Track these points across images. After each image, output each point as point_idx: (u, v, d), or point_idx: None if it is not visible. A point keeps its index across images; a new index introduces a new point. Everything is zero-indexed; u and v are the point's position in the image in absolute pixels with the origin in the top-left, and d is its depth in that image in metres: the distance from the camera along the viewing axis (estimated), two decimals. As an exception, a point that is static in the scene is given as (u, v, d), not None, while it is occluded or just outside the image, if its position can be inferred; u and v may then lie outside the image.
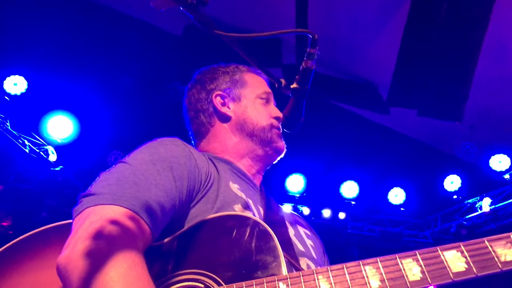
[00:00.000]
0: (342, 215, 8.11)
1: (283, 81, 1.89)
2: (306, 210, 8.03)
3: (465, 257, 1.17)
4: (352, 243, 8.23)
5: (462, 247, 1.19)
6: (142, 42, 6.51)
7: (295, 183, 7.83)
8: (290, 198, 7.92)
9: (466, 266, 1.16)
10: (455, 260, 1.17)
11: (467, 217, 7.95)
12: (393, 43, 6.29)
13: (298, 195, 7.89)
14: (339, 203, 8.11)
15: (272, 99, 2.18)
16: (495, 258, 1.15)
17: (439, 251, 1.19)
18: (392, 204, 8.19)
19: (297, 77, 1.84)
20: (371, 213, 8.46)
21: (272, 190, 7.57)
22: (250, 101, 2.08)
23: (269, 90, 2.16)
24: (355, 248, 8.17)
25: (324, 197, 8.14)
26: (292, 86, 1.84)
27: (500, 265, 1.15)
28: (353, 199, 8.05)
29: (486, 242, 1.19)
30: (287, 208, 7.85)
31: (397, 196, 8.17)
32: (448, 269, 1.16)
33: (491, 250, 1.17)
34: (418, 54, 6.26)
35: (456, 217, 8.10)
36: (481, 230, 7.75)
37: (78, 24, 6.14)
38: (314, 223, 7.92)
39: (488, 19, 5.65)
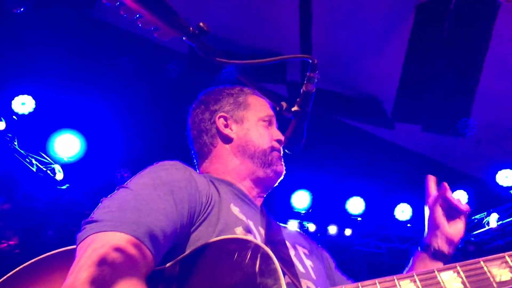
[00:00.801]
0: (348, 232, 8.07)
1: (284, 104, 1.93)
2: (312, 227, 8.00)
3: (461, 277, 1.18)
4: (359, 259, 8.17)
5: (458, 267, 1.21)
6: (148, 60, 6.60)
7: (301, 200, 7.82)
8: (295, 215, 7.90)
9: (462, 286, 1.17)
10: (451, 280, 1.19)
11: (474, 233, 7.88)
12: (397, 59, 6.34)
13: (303, 212, 7.88)
14: (345, 219, 8.08)
15: (274, 122, 2.21)
16: (491, 278, 1.17)
17: (436, 272, 1.21)
18: (398, 220, 8.14)
19: (298, 100, 1.87)
20: (378, 229, 8.41)
21: (277, 207, 7.62)
22: (252, 123, 2.11)
23: (272, 113, 2.19)
24: (362, 264, 8.11)
25: (330, 213, 8.11)
26: (293, 109, 1.88)
27: (495, 285, 1.16)
28: (359, 215, 8.02)
29: (481, 262, 1.20)
30: (292, 225, 7.84)
31: (403, 212, 8.13)
32: (445, 290, 1.18)
33: (487, 271, 1.19)
34: (422, 70, 6.31)
35: (464, 233, 8.03)
36: (488, 246, 7.68)
37: (85, 43, 6.25)
38: (320, 239, 7.88)
39: (490, 35, 5.70)
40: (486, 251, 7.51)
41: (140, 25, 1.35)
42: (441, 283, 1.19)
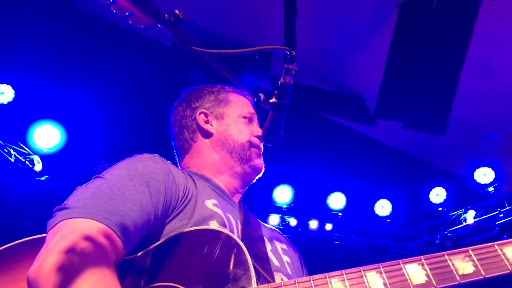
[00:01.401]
0: (329, 227, 8.14)
1: (262, 95, 1.94)
2: (293, 221, 8.05)
3: (426, 270, 1.21)
4: (338, 254, 8.25)
5: (423, 260, 1.23)
6: (130, 52, 6.54)
7: (283, 194, 7.86)
8: (277, 209, 7.94)
9: (426, 278, 1.20)
10: (416, 272, 1.21)
11: (452, 229, 8.02)
12: (380, 57, 6.40)
13: (285, 206, 7.92)
14: (326, 214, 8.14)
15: (255, 119, 2.23)
16: (454, 271, 1.20)
17: (401, 264, 1.24)
18: (378, 216, 8.24)
19: (276, 92, 1.88)
20: (358, 225, 8.50)
21: (259, 201, 7.63)
22: (232, 119, 2.14)
23: (253, 111, 2.22)
24: (341, 259, 8.19)
25: (311, 208, 8.17)
26: (271, 101, 1.89)
27: (458, 278, 1.19)
28: (340, 211, 8.09)
29: (445, 256, 1.23)
30: (273, 219, 7.87)
31: (383, 207, 8.23)
32: (409, 282, 1.20)
33: (450, 264, 1.21)
34: (404, 68, 6.37)
35: (441, 229, 8.17)
36: (465, 242, 7.82)
37: (66, 32, 6.16)
38: (300, 234, 7.94)
39: (471, 34, 5.79)
40: (463, 247, 7.63)
41: (114, 11, 1.33)
42: (406, 275, 1.21)
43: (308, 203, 8.16)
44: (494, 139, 7.19)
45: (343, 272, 1.26)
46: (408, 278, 1.21)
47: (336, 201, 8.07)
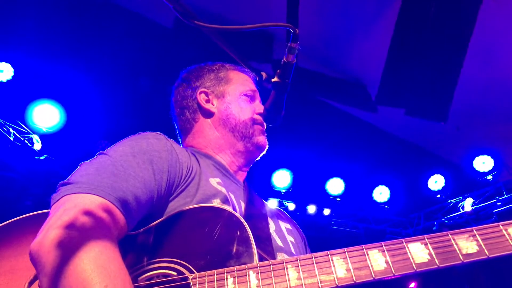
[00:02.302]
0: (327, 211, 8.17)
1: (264, 74, 1.92)
2: (291, 206, 8.07)
3: (429, 249, 1.21)
4: (336, 239, 8.30)
5: (426, 239, 1.23)
6: (131, 32, 6.47)
7: (282, 179, 7.86)
8: (276, 193, 7.95)
9: (429, 257, 1.19)
10: (418, 251, 1.21)
11: (449, 216, 8.06)
12: (383, 43, 6.35)
13: (284, 191, 7.93)
14: (325, 199, 8.16)
15: (257, 96, 2.21)
16: (457, 251, 1.19)
17: (404, 243, 1.23)
18: (376, 202, 8.27)
19: (278, 71, 1.86)
20: (356, 210, 8.53)
21: (258, 185, 7.64)
22: (234, 97, 2.12)
23: (254, 88, 2.20)
24: (339, 244, 8.24)
25: (310, 193, 8.19)
26: (273, 80, 1.87)
27: (461, 257, 1.19)
28: (338, 196, 8.11)
29: (449, 235, 1.23)
30: (272, 203, 7.90)
31: (381, 194, 8.25)
32: (412, 260, 1.20)
33: (454, 243, 1.21)
34: (408, 54, 6.33)
35: (439, 216, 8.21)
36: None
37: (66, 11, 6.09)
38: (298, 218, 7.97)
39: (474, 22, 5.73)
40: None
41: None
42: (409, 254, 1.21)
43: (306, 188, 8.17)
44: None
45: (345, 250, 1.26)
46: (410, 256, 1.20)
47: (335, 186, 8.08)
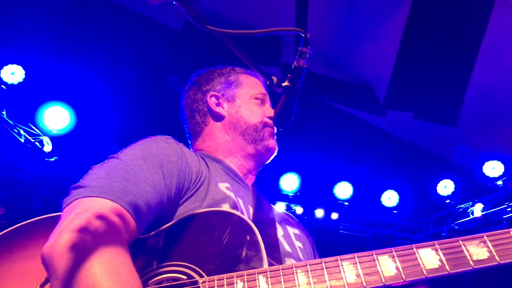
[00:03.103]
0: (335, 216, 8.14)
1: (274, 78, 1.92)
2: (299, 209, 8.05)
3: (439, 255, 1.20)
4: (343, 243, 8.26)
5: (436, 245, 1.22)
6: (142, 35, 6.51)
7: (289, 182, 7.85)
8: (283, 197, 7.94)
9: (440, 263, 1.19)
10: (429, 257, 1.20)
11: (459, 221, 7.99)
12: (392, 46, 6.32)
13: (291, 194, 7.92)
14: (333, 203, 8.13)
15: (267, 100, 2.22)
16: (468, 257, 1.19)
17: (415, 248, 1.23)
18: (385, 206, 8.22)
19: (289, 75, 1.86)
20: (364, 215, 8.49)
21: (265, 189, 7.64)
22: (244, 101, 2.13)
23: (264, 91, 2.21)
24: (347, 249, 8.19)
25: (318, 197, 8.16)
26: (283, 84, 1.87)
27: (472, 263, 1.18)
28: (346, 200, 8.08)
29: (460, 241, 1.22)
30: (280, 207, 7.88)
31: (390, 198, 8.20)
32: (422, 266, 1.20)
33: (465, 249, 1.21)
34: (417, 58, 6.30)
35: (448, 221, 8.14)
36: (472, 235, 7.79)
37: (77, 14, 6.14)
38: (306, 222, 7.95)
39: (486, 25, 5.70)
40: (469, 240, 7.60)
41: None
42: (419, 260, 1.21)
43: (314, 191, 8.14)
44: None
45: (355, 256, 1.26)
46: (421, 262, 1.20)
47: (343, 190, 8.04)
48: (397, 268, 1.21)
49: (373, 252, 1.26)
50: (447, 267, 1.18)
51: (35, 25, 5.93)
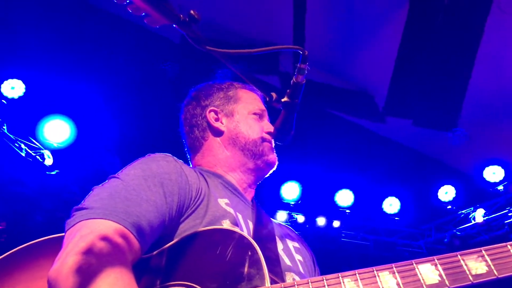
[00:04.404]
0: (336, 223, 8.13)
1: (274, 94, 1.94)
2: (300, 218, 8.04)
3: (439, 270, 1.22)
4: (346, 251, 8.23)
5: (436, 260, 1.24)
6: (142, 47, 6.55)
7: (290, 191, 7.85)
8: (285, 206, 7.93)
9: (439, 278, 1.20)
10: (429, 272, 1.22)
11: (460, 227, 7.97)
12: (390, 53, 6.36)
13: (293, 203, 7.91)
14: (334, 211, 8.12)
15: (266, 115, 2.23)
16: (467, 271, 1.20)
17: (414, 264, 1.24)
18: (386, 213, 8.21)
19: (288, 91, 1.88)
20: (366, 222, 8.47)
21: (266, 197, 7.63)
22: (243, 116, 2.14)
23: (263, 107, 2.23)
24: (349, 257, 8.18)
25: (319, 205, 8.15)
26: (283, 100, 1.89)
27: (471, 278, 1.20)
28: (347, 208, 8.07)
29: (458, 256, 1.24)
30: (282, 216, 7.87)
31: (391, 205, 8.18)
32: (422, 282, 1.21)
33: (463, 264, 1.22)
34: (415, 65, 6.34)
35: (450, 227, 8.12)
36: (474, 240, 7.77)
37: (76, 27, 6.19)
38: (308, 230, 7.93)
39: (482, 31, 5.73)
40: (472, 246, 7.54)
41: (130, 11, 1.35)
42: (419, 275, 1.22)
43: (316, 199, 8.14)
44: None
45: (356, 272, 1.27)
46: (421, 278, 1.21)
47: (344, 198, 8.03)
48: (397, 284, 1.22)
49: (374, 268, 1.27)
50: (446, 282, 1.19)
51: (35, 40, 5.97)
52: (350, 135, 7.95)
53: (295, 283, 1.31)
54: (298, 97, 1.84)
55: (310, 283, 1.28)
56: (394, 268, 1.25)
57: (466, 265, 1.22)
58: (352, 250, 8.28)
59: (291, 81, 1.81)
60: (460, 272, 1.21)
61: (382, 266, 1.27)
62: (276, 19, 6.56)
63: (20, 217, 5.69)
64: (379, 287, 1.23)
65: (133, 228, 1.43)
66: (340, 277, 1.27)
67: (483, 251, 1.23)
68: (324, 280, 1.28)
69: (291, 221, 7.99)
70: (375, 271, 1.26)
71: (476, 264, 1.22)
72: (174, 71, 6.49)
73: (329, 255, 7.65)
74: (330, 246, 7.97)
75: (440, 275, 1.21)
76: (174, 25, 1.41)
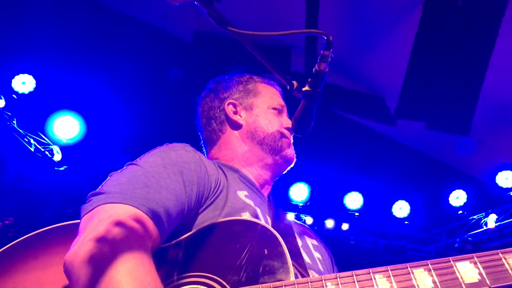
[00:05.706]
0: (345, 226, 8.04)
1: (295, 83, 1.87)
2: (309, 220, 7.97)
3: (478, 268, 1.14)
4: (354, 255, 8.15)
5: (475, 258, 1.16)
6: (152, 45, 6.53)
7: (299, 192, 7.78)
8: (293, 207, 7.87)
9: (479, 277, 1.13)
10: (468, 271, 1.14)
11: (472, 233, 7.85)
12: (403, 55, 6.29)
13: (301, 204, 7.85)
14: (343, 214, 8.04)
15: (285, 111, 2.19)
16: (509, 271, 1.12)
17: (452, 261, 1.17)
18: (396, 217, 8.11)
19: (309, 79, 1.81)
20: (375, 225, 8.38)
21: (275, 198, 7.58)
22: (262, 110, 2.09)
23: (282, 102, 2.18)
24: (357, 260, 8.09)
25: (328, 207, 8.08)
26: (304, 89, 1.82)
27: (514, 277, 1.12)
28: (357, 211, 7.98)
29: (500, 254, 1.16)
30: (289, 217, 7.80)
31: (401, 209, 8.09)
32: (461, 280, 1.13)
33: (505, 262, 1.14)
34: (428, 67, 6.27)
35: (461, 233, 8.00)
36: (485, 246, 7.65)
37: (88, 24, 6.18)
38: (316, 233, 7.85)
39: (497, 33, 5.65)
40: (483, 251, 7.43)
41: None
42: (457, 273, 1.14)
43: (324, 202, 8.07)
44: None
45: (388, 268, 1.20)
46: (459, 276, 1.14)
47: (353, 200, 7.96)
48: (434, 282, 1.14)
49: (408, 265, 1.19)
50: (487, 281, 1.12)
51: (45, 35, 5.96)
52: (360, 137, 7.88)
53: (322, 277, 1.24)
54: (320, 86, 1.78)
55: (338, 278, 1.21)
56: (430, 265, 1.17)
57: (508, 264, 1.14)
58: (360, 253, 8.19)
59: (313, 69, 1.74)
60: (502, 271, 1.13)
61: (417, 262, 1.19)
62: (288, 21, 6.51)
63: (29, 213, 5.68)
64: (414, 284, 1.15)
65: (153, 214, 1.38)
66: (371, 273, 1.19)
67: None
68: (354, 276, 1.21)
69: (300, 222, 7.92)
70: (409, 268, 1.18)
71: (520, 263, 1.14)
72: (184, 70, 6.46)
73: (337, 258, 7.56)
74: (338, 249, 7.89)
75: (480, 274, 1.13)
76: (195, 2, 1.35)
